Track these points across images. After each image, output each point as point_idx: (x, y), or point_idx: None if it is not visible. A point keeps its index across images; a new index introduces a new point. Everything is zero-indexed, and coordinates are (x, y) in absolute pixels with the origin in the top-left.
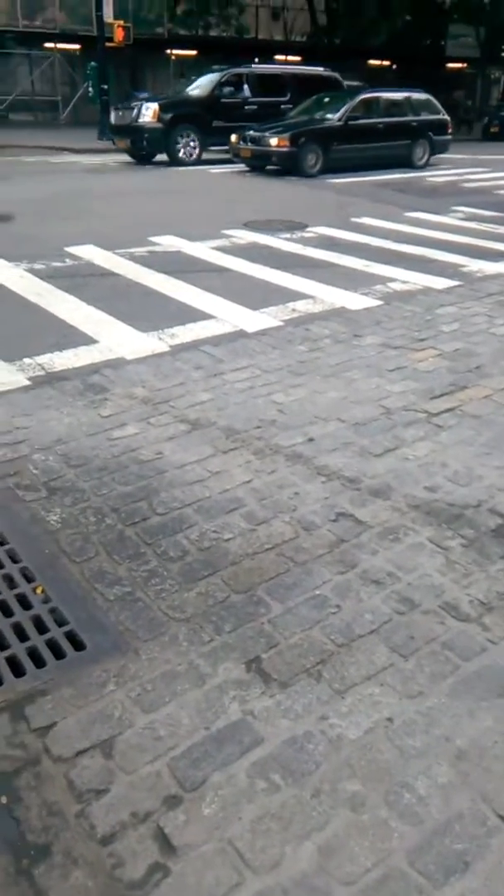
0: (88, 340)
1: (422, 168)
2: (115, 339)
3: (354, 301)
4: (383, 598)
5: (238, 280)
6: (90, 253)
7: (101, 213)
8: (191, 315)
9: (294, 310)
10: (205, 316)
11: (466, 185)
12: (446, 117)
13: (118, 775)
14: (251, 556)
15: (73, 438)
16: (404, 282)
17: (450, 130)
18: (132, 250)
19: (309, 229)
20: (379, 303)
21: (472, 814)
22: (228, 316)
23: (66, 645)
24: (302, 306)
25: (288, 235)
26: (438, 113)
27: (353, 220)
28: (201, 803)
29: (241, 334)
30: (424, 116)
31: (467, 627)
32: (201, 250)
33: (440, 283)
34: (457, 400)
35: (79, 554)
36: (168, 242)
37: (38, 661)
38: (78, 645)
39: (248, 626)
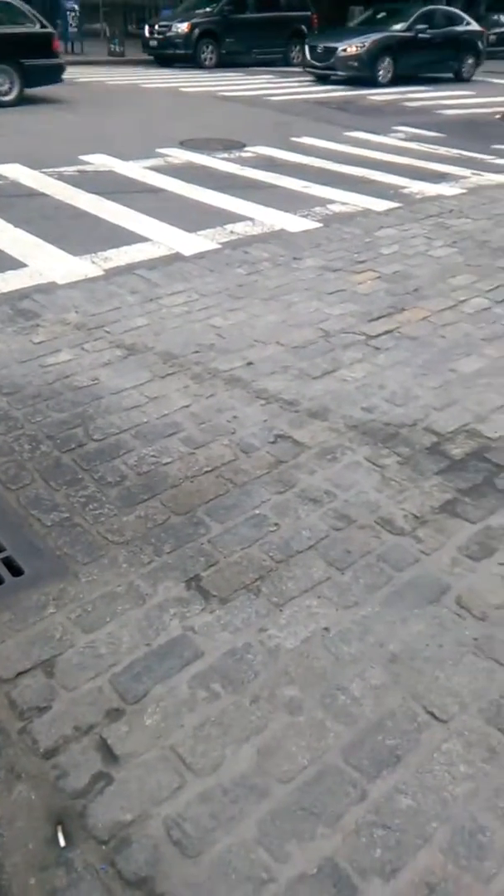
0: (16, 264)
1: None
2: (45, 263)
3: (294, 223)
4: (321, 515)
5: (173, 201)
6: (16, 172)
7: (27, 129)
8: (125, 238)
9: (232, 232)
10: (139, 239)
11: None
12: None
13: (60, 693)
14: (190, 478)
15: (4, 366)
16: (344, 203)
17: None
18: (61, 169)
19: (247, 149)
20: (318, 225)
21: (403, 712)
22: (164, 238)
23: (3, 571)
24: (240, 228)
25: (225, 155)
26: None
27: (293, 139)
28: (143, 714)
29: (177, 257)
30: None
31: (401, 541)
32: (135, 170)
33: (380, 204)
34: (395, 322)
35: (13, 481)
36: (99, 161)
37: None
38: (15, 570)
39: (188, 547)
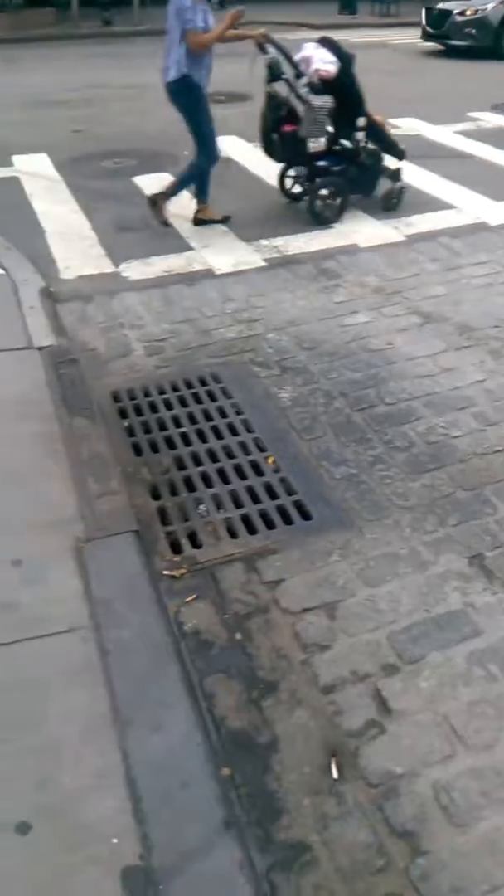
0: (323, 226)
1: None
2: (350, 226)
3: None
4: None
5: (482, 168)
6: None
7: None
8: (429, 204)
9: None
10: (444, 205)
11: None
12: None
13: (340, 636)
14: (480, 455)
15: (306, 322)
16: None
17: None
18: None
19: None
20: None
21: None
22: (469, 206)
23: (294, 512)
24: None
25: None
26: None
27: None
28: (418, 677)
29: (482, 227)
30: None
31: None
32: (443, 134)
33: None
34: None
35: (307, 432)
36: (408, 125)
37: (269, 524)
38: (305, 514)
39: (474, 524)
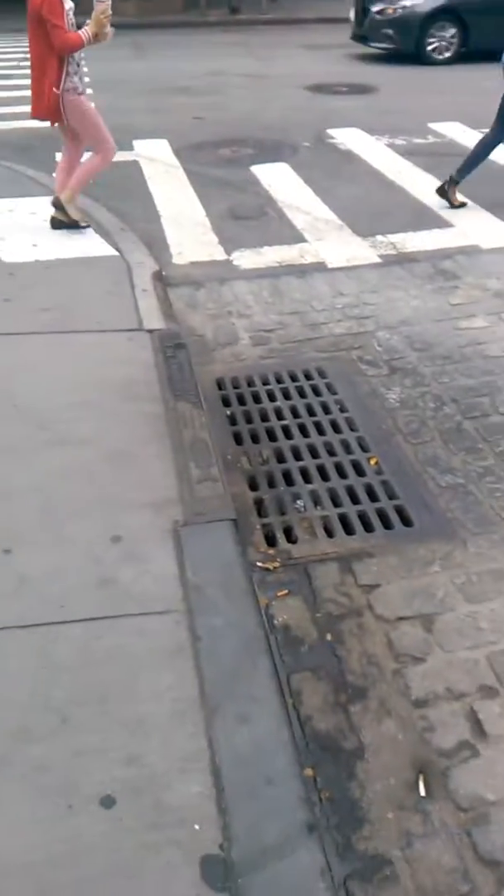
0: (443, 223)
1: None
2: (472, 225)
3: None
4: None
5: None
6: (454, 131)
7: (466, 87)
8: None
9: None
10: None
11: None
12: None
13: (436, 650)
14: None
15: (419, 322)
16: None
17: None
18: None
19: None
20: None
21: None
22: None
23: (394, 517)
24: None
25: None
26: None
27: None
28: None
29: None
30: None
31: None
32: None
33: None
34: None
35: (414, 435)
36: None
37: (367, 526)
38: (405, 520)
39: None
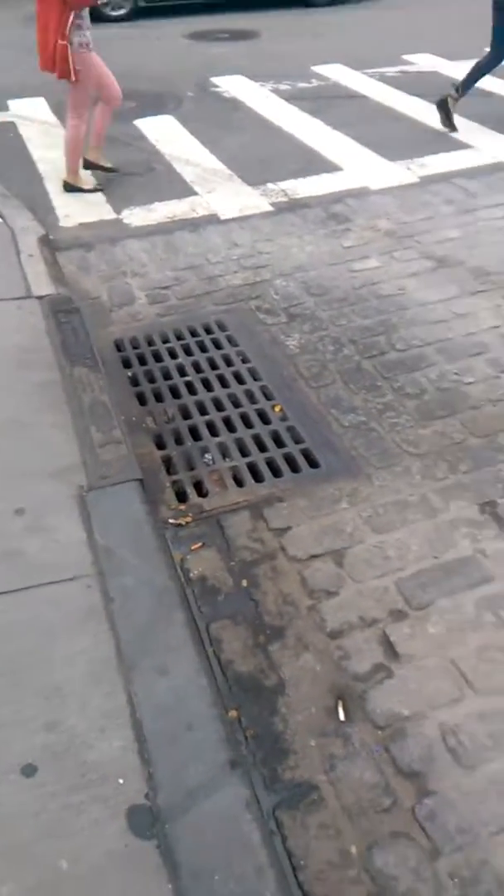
0: (332, 167)
1: None
2: (360, 168)
3: None
4: None
5: (502, 106)
6: (337, 73)
7: (349, 29)
8: (444, 144)
9: None
10: (460, 145)
11: None
12: None
13: (347, 582)
14: (493, 402)
15: (314, 267)
16: None
17: None
18: (383, 70)
19: None
20: None
21: None
22: (488, 146)
23: (301, 461)
24: None
25: None
26: None
27: None
28: (427, 622)
29: (500, 167)
30: None
31: None
32: (462, 71)
33: None
34: None
35: (316, 379)
36: (424, 61)
37: (276, 472)
38: (312, 462)
39: (486, 470)
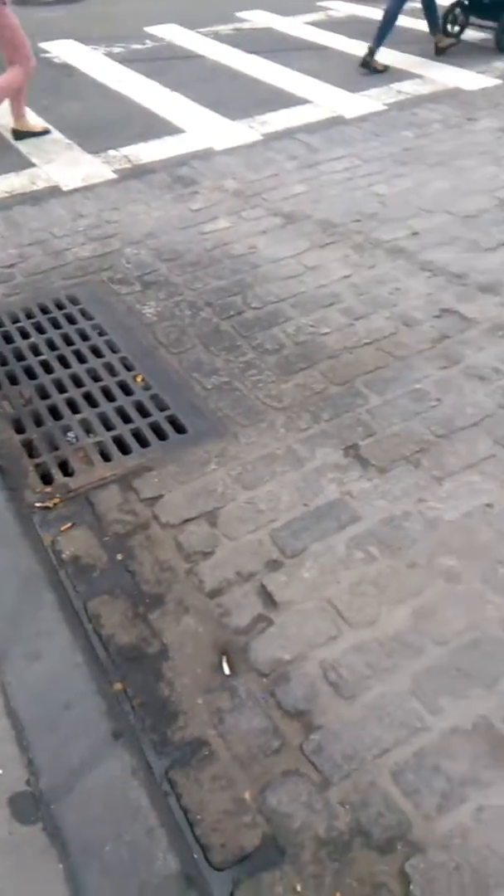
0: (174, 130)
1: None
2: (203, 128)
3: (469, 80)
4: (488, 392)
5: (336, 59)
6: (171, 32)
7: None
8: (284, 100)
9: (399, 91)
10: (299, 101)
11: None
12: None
13: (223, 541)
14: (349, 350)
15: (164, 232)
16: None
17: None
18: (217, 28)
19: None
20: (498, 82)
21: None
22: (325, 100)
23: (167, 428)
24: (409, 87)
25: None
26: None
27: None
28: (301, 568)
29: (339, 120)
30: None
31: None
32: (294, 26)
33: None
34: None
35: (175, 345)
36: (257, 18)
37: (143, 442)
38: (179, 428)
39: (347, 416)
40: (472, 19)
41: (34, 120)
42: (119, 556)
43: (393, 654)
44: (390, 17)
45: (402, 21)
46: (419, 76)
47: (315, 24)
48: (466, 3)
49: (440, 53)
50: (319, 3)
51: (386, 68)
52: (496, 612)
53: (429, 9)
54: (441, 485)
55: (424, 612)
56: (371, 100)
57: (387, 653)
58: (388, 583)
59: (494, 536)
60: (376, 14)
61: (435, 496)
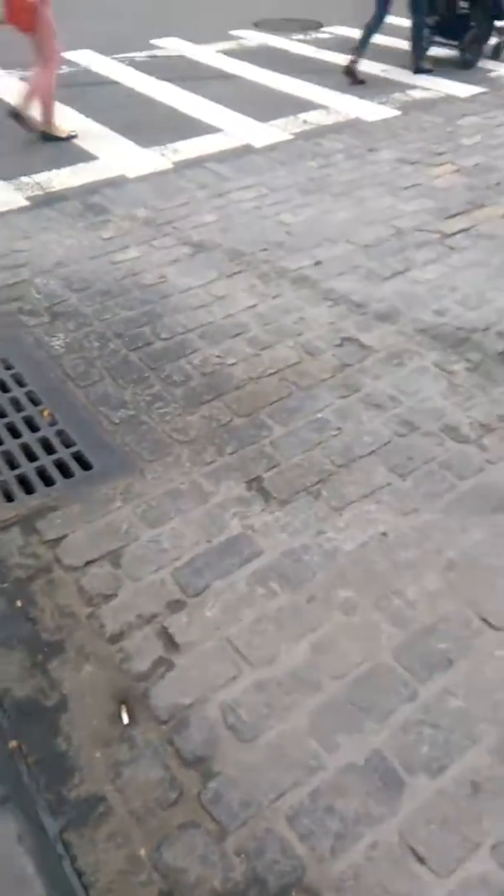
0: (87, 157)
1: None
2: (116, 156)
3: (370, 111)
4: (384, 420)
5: (246, 88)
6: (88, 58)
7: (100, 9)
8: (195, 128)
9: (305, 121)
10: (210, 129)
11: None
12: None
13: (125, 582)
14: (255, 380)
15: (75, 262)
16: (426, 89)
17: None
18: (132, 55)
19: (324, 29)
20: (397, 113)
21: (457, 617)
22: (235, 129)
23: (73, 465)
24: (314, 117)
25: (301, 36)
26: None
27: None
28: (203, 607)
29: (248, 149)
30: None
31: (466, 448)
32: (206, 54)
33: (464, 90)
34: (473, 219)
35: (83, 378)
36: (171, 45)
37: (47, 480)
38: (85, 465)
39: (250, 448)
40: (437, 38)
41: None
42: (19, 603)
43: (291, 691)
44: (373, 25)
45: (306, 51)
46: (324, 106)
47: (227, 52)
48: (433, 24)
49: (418, 73)
50: (231, 32)
51: (362, 82)
52: (389, 641)
53: (369, 30)
54: (340, 515)
55: (322, 647)
56: (278, 129)
57: (285, 691)
58: (288, 618)
59: (389, 566)
60: (286, 44)
61: (334, 527)
